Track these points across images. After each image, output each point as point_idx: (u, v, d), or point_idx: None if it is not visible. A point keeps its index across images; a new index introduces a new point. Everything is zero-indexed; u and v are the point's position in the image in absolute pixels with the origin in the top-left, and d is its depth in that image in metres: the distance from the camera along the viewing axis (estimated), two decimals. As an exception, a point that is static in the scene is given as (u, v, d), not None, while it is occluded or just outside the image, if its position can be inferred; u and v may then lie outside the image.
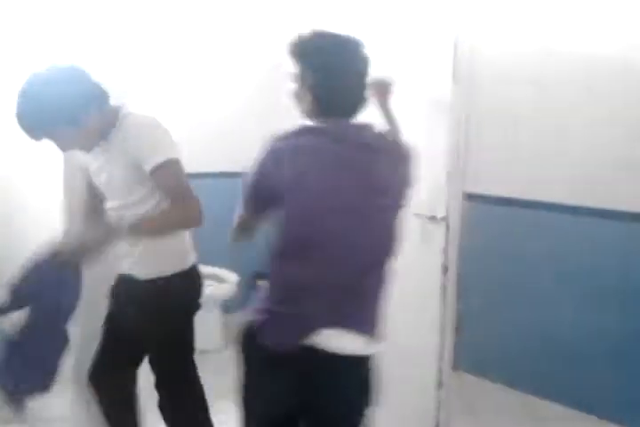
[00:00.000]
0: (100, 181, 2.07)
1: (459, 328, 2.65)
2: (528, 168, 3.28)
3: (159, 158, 1.90)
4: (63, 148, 2.00)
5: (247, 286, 4.38)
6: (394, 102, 2.05)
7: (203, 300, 3.85)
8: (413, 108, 2.34)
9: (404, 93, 2.37)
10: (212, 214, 4.35)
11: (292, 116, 1.72)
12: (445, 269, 2.35)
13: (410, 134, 2.33)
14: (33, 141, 1.90)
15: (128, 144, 1.96)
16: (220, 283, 3.88)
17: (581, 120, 3.07)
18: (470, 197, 3.20)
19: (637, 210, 2.89)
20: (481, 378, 3.49)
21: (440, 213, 2.29)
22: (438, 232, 2.32)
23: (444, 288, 2.36)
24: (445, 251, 2.33)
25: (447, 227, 2.31)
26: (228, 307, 4.05)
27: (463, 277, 3.08)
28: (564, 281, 3.18)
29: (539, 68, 3.19)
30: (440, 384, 2.40)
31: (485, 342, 3.38)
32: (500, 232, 3.38)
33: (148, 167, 1.92)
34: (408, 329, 2.43)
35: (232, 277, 3.93)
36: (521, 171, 3.31)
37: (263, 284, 4.40)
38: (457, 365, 2.98)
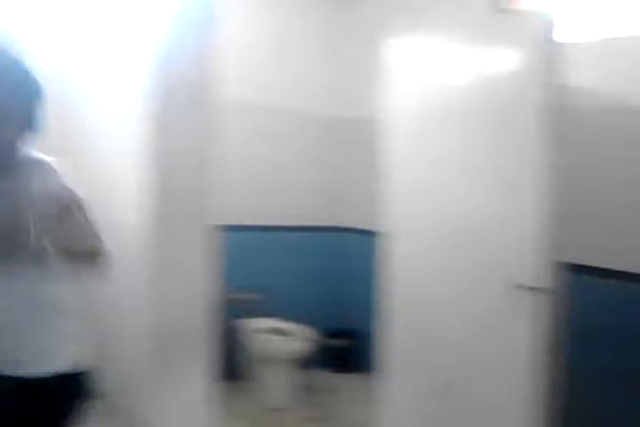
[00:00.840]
0: None
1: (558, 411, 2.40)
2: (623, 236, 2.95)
3: None
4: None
5: (321, 344, 4.33)
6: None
7: (277, 356, 3.82)
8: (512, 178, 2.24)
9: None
10: (296, 268, 4.37)
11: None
12: (541, 341, 2.16)
13: (506, 199, 2.24)
14: None
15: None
16: (293, 340, 3.77)
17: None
18: (577, 269, 2.95)
19: None
20: None
21: (535, 283, 2.13)
22: (533, 302, 2.14)
23: (536, 360, 2.17)
24: (539, 322, 2.15)
25: (542, 296, 2.13)
26: (297, 364, 3.92)
27: (565, 356, 2.83)
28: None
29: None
30: None
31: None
32: (606, 308, 3.04)
33: None
34: (501, 403, 2.25)
35: (307, 334, 3.82)
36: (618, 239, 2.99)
37: (335, 342, 4.35)
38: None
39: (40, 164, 1.49)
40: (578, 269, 2.82)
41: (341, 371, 4.45)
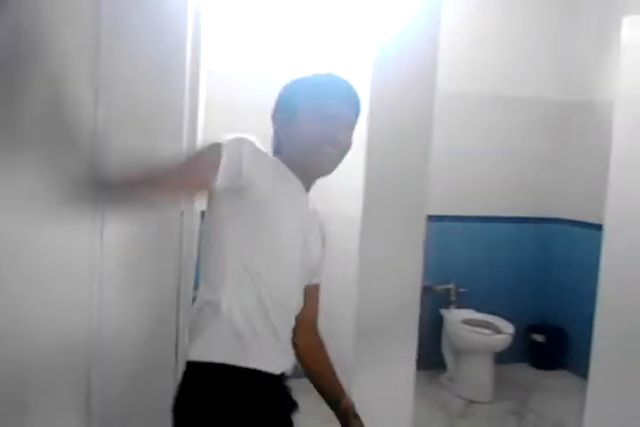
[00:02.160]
0: (307, 239, 1.54)
1: None
2: None
3: None
4: (338, 159, 1.55)
5: (521, 337, 4.23)
6: None
7: (477, 348, 3.79)
8: None
9: None
10: (499, 259, 4.30)
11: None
12: None
13: None
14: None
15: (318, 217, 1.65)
16: (495, 333, 3.71)
17: None
18: None
19: None
20: None
21: None
22: None
23: None
24: None
25: None
26: (497, 357, 3.86)
27: None
28: None
29: None
30: None
31: None
32: None
33: None
34: None
35: (508, 328, 3.74)
36: None
37: (538, 337, 4.22)
38: None
39: None
40: None
41: (542, 367, 4.31)
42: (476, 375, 3.78)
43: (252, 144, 1.42)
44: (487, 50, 4.05)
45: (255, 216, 1.42)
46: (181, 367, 1.48)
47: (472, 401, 3.69)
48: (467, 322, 3.83)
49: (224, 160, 1.35)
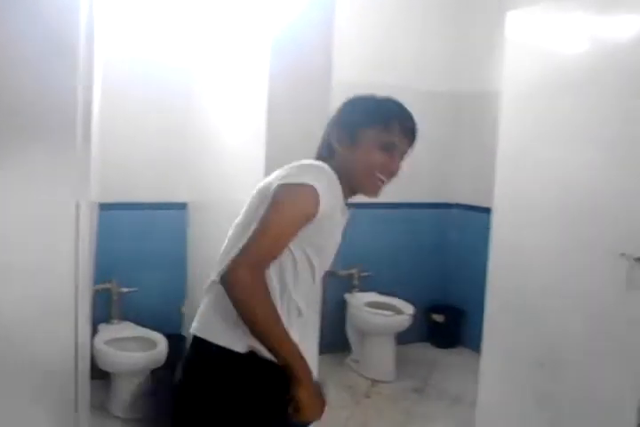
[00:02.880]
0: (339, 240, 1.66)
1: None
2: None
3: None
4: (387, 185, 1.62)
5: (421, 318, 4.42)
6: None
7: (379, 329, 3.93)
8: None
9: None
10: (399, 243, 4.42)
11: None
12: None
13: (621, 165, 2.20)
14: None
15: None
16: (396, 314, 3.86)
17: None
18: None
19: None
20: None
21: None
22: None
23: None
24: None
25: None
26: (399, 338, 4.01)
27: None
28: None
29: None
30: None
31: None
32: None
33: None
34: (606, 379, 2.25)
35: (408, 309, 3.90)
36: None
37: (438, 317, 4.40)
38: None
39: None
40: None
41: (442, 345, 4.51)
42: (380, 356, 3.92)
43: (327, 182, 1.48)
44: (383, 43, 4.15)
45: (315, 233, 1.50)
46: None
47: (376, 381, 3.83)
48: (369, 305, 3.96)
49: (306, 211, 1.44)
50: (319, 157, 1.64)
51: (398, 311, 3.89)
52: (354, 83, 3.90)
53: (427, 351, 4.45)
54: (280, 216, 1.44)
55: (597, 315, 2.30)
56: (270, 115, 2.30)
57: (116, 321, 3.46)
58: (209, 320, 1.54)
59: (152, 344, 3.20)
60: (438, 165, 4.45)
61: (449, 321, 4.47)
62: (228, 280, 1.37)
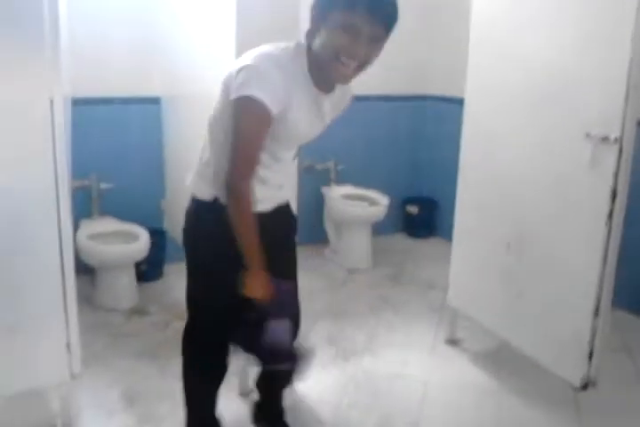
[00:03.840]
0: (313, 127, 1.80)
1: (620, 261, 2.52)
2: None
3: None
4: (359, 70, 1.64)
5: (396, 210, 4.53)
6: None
7: (356, 220, 4.03)
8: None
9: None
10: (374, 136, 4.43)
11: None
12: (614, 195, 2.23)
13: (586, 46, 2.20)
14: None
15: (344, 94, 1.88)
16: (371, 205, 3.95)
17: None
18: None
19: None
20: (637, 316, 3.35)
21: (613, 134, 2.16)
22: (610, 155, 2.19)
23: (610, 215, 2.25)
24: (616, 175, 2.21)
25: (620, 149, 2.17)
26: (375, 229, 4.13)
27: (632, 206, 2.89)
28: None
29: None
30: (597, 312, 2.33)
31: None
32: None
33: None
34: (570, 253, 2.37)
35: (383, 200, 3.99)
36: None
37: (413, 208, 4.52)
38: (614, 300, 2.86)
39: None
40: None
41: (416, 235, 4.66)
42: (356, 246, 4.05)
43: (269, 79, 1.59)
44: None
45: (274, 128, 1.66)
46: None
47: (353, 269, 3.98)
48: (346, 197, 4.05)
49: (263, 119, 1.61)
50: (306, 37, 1.67)
51: (374, 202, 3.98)
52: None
53: (402, 241, 4.61)
54: (243, 134, 1.63)
55: (562, 194, 2.38)
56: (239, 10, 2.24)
57: (97, 217, 3.51)
58: (194, 180, 1.86)
59: (134, 237, 3.28)
60: (412, 57, 4.38)
61: (423, 212, 4.59)
62: (228, 188, 1.66)
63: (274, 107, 1.60)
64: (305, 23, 1.73)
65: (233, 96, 1.61)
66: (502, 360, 2.91)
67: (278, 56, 1.64)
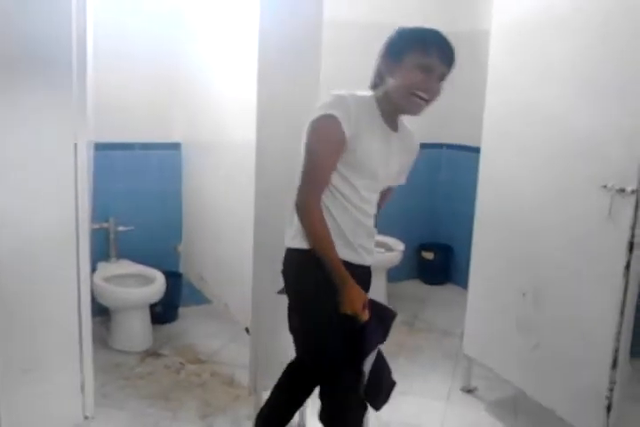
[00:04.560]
0: (384, 162, 1.91)
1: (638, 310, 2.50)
2: None
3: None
4: (427, 104, 1.88)
5: (412, 256, 4.53)
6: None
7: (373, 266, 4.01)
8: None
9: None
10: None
11: None
12: (631, 247, 2.23)
13: (601, 98, 2.24)
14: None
15: (411, 138, 2.08)
16: (387, 251, 3.95)
17: None
18: None
19: None
20: None
21: (630, 187, 2.17)
22: (627, 207, 2.20)
23: (627, 267, 2.25)
24: (632, 227, 2.21)
25: (637, 201, 2.18)
26: (390, 275, 4.13)
27: None
28: None
29: None
30: (615, 364, 2.30)
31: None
32: None
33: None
34: (587, 306, 2.36)
35: (399, 246, 3.99)
36: None
37: (428, 255, 4.51)
38: (634, 350, 2.81)
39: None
40: None
41: (431, 282, 4.64)
42: (372, 292, 4.03)
43: (343, 104, 1.79)
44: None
45: (347, 154, 1.82)
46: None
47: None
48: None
49: (339, 139, 1.78)
50: (372, 86, 1.93)
51: (389, 248, 3.98)
52: (346, 22, 3.90)
53: (417, 288, 4.59)
54: (315, 150, 1.80)
55: (579, 246, 2.38)
56: (261, 54, 2.29)
57: (114, 259, 3.54)
58: (288, 233, 1.97)
59: (150, 280, 3.31)
60: (432, 106, 4.42)
61: (438, 258, 4.59)
62: (297, 207, 1.83)
63: (347, 127, 1.78)
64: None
65: (310, 120, 1.81)
66: (519, 410, 2.88)
67: (351, 93, 1.86)
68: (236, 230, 2.75)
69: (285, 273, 2.01)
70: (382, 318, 2.03)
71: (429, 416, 2.79)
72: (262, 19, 2.25)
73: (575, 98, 2.37)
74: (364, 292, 1.93)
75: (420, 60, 1.80)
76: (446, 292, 4.50)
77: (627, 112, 2.17)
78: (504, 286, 2.74)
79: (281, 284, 2.04)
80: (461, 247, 4.28)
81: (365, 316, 1.91)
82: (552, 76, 2.47)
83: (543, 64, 2.51)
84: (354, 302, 1.86)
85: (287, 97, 2.29)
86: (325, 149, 1.80)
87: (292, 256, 1.96)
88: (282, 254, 2.00)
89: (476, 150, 2.90)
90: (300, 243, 1.90)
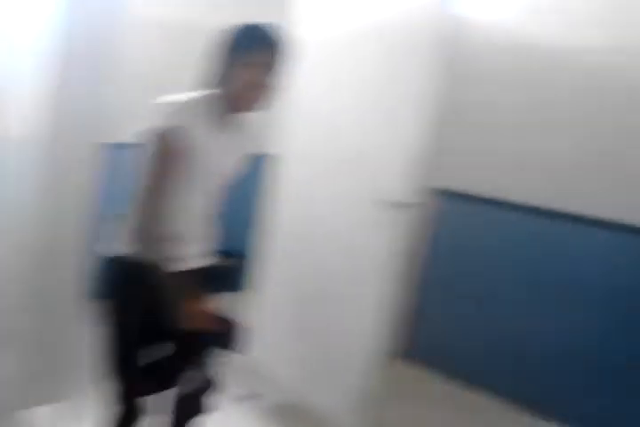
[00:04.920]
0: (220, 163, 1.95)
1: (414, 318, 2.65)
2: (501, 168, 3.33)
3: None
4: (262, 98, 1.88)
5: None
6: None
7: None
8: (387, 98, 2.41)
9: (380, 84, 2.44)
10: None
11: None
12: (403, 257, 2.41)
13: (379, 121, 2.41)
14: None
15: (254, 131, 2.08)
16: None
17: (559, 120, 3.14)
18: (443, 193, 3.39)
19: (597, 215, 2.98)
20: (431, 369, 3.50)
21: (405, 200, 2.35)
22: (401, 218, 2.38)
23: (397, 276, 2.42)
24: (406, 237, 2.39)
25: (410, 214, 2.36)
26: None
27: (427, 268, 3.10)
28: (519, 281, 3.26)
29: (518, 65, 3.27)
30: (371, 370, 2.45)
31: (441, 334, 3.46)
32: (468, 229, 3.46)
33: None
34: (357, 309, 2.50)
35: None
36: (494, 170, 3.36)
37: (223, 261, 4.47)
38: (409, 354, 3.00)
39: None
40: (450, 195, 3.33)
41: (222, 289, 4.62)
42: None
43: (184, 114, 1.80)
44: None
45: (187, 160, 1.81)
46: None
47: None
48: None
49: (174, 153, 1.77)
50: (204, 86, 1.90)
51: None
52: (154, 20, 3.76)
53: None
54: (153, 162, 1.79)
55: (355, 255, 2.54)
56: (63, 50, 2.20)
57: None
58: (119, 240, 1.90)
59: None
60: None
61: (228, 266, 4.57)
62: (135, 214, 1.79)
63: (184, 135, 1.77)
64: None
65: (149, 129, 1.78)
66: (297, 415, 2.91)
67: (183, 97, 1.84)
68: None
69: (108, 282, 1.96)
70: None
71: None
72: (65, 15, 2.16)
73: (359, 115, 2.53)
74: (205, 300, 1.85)
75: (244, 56, 1.83)
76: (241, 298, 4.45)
77: (399, 132, 2.36)
78: (289, 292, 2.84)
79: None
80: (253, 254, 4.33)
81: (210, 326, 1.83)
82: (342, 92, 2.62)
83: (333, 78, 2.64)
84: (193, 317, 1.79)
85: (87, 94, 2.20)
86: (164, 159, 1.78)
87: (121, 264, 1.90)
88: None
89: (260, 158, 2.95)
90: (133, 250, 1.83)
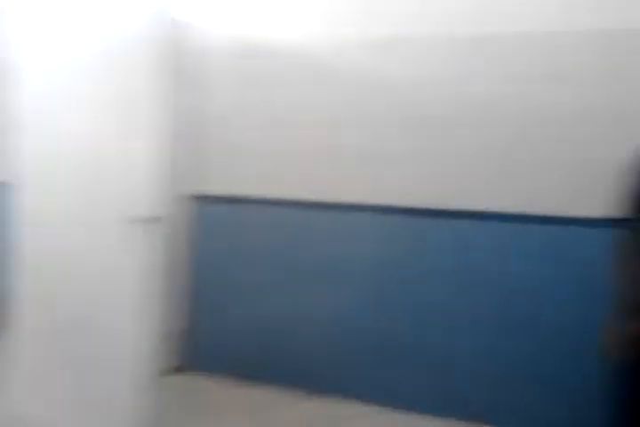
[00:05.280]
0: None
1: (192, 329, 2.64)
2: (258, 166, 3.42)
3: None
4: None
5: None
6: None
7: None
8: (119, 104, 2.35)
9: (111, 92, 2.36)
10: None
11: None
12: (162, 272, 2.38)
13: (113, 137, 2.35)
14: None
15: None
16: None
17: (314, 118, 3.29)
18: (199, 198, 3.42)
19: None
20: (220, 376, 3.48)
21: (152, 213, 2.31)
22: (153, 233, 2.33)
23: (154, 289, 2.38)
24: (162, 251, 2.36)
25: (164, 226, 2.34)
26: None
27: (196, 277, 3.08)
28: (294, 273, 3.34)
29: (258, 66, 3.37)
30: (144, 388, 2.41)
31: (222, 340, 3.47)
32: (231, 230, 3.49)
33: None
34: (118, 331, 2.42)
35: None
36: (250, 169, 3.44)
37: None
38: (195, 366, 2.98)
39: None
40: (211, 199, 3.33)
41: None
42: None
43: None
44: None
45: None
46: None
47: None
48: None
49: None
50: None
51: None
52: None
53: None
54: None
55: (106, 278, 2.43)
56: None
57: None
58: None
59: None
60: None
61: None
62: None
63: None
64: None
65: None
66: None
67: None
68: None
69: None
70: None
71: None
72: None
73: (92, 134, 2.44)
74: None
75: None
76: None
77: (135, 144, 2.30)
78: (45, 328, 2.66)
79: None
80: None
81: None
82: (71, 112, 2.50)
83: (57, 102, 2.51)
84: None
85: None
86: None
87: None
88: None
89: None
90: None
